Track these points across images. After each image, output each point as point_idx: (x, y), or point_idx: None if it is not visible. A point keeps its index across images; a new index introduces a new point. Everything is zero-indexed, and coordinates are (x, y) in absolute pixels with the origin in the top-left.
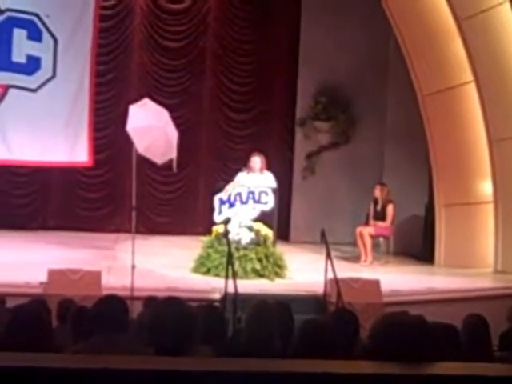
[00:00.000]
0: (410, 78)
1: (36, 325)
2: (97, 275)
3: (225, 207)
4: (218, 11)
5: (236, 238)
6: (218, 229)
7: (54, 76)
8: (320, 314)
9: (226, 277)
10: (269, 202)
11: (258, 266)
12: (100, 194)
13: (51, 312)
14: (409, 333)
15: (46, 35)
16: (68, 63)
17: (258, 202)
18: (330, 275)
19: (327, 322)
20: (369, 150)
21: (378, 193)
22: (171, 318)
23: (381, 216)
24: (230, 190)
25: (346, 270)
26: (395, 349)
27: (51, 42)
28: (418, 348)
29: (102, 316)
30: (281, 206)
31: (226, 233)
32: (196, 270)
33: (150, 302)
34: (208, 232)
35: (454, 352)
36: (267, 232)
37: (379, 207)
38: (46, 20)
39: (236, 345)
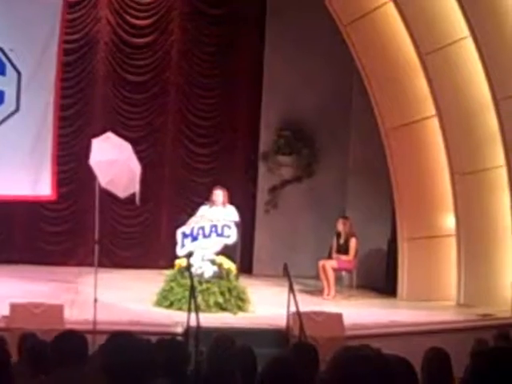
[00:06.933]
0: (373, 112)
1: None
2: (59, 309)
3: (187, 241)
4: (181, 44)
5: (199, 271)
6: (181, 262)
7: (17, 110)
8: (282, 347)
9: (189, 310)
10: (231, 236)
11: (220, 300)
12: (63, 227)
13: (9, 347)
14: (365, 367)
15: (9, 69)
16: (32, 97)
17: (221, 235)
18: (293, 309)
19: (288, 357)
20: (332, 183)
21: (340, 226)
22: (129, 353)
23: (344, 249)
24: (193, 223)
25: (308, 304)
26: (351, 383)
27: (15, 75)
28: (374, 382)
29: (61, 351)
30: (244, 239)
31: (189, 266)
32: (159, 303)
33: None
34: (171, 265)
35: None
36: (230, 265)
37: (342, 241)
38: (9, 54)
39: (197, 378)
